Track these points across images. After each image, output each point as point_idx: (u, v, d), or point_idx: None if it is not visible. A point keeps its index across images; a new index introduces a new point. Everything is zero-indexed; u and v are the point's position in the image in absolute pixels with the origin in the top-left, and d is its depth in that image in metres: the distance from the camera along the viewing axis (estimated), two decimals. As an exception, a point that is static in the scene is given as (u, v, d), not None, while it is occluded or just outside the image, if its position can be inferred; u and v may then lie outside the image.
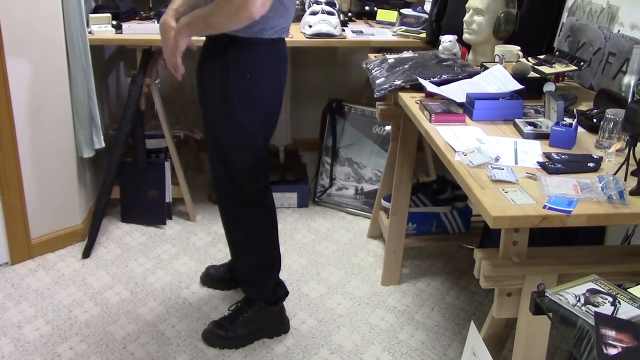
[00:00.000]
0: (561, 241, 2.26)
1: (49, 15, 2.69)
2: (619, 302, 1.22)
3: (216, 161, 2.30)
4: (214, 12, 2.00)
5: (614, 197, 1.48)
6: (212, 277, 2.77)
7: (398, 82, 2.31)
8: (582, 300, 1.22)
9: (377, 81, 2.39)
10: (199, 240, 3.14)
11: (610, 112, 1.78)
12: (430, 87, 2.20)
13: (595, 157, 1.71)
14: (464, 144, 1.79)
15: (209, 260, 2.96)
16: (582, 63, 2.29)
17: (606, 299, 1.23)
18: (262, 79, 2.17)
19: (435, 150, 1.87)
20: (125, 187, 3.23)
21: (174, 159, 3.23)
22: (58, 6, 2.70)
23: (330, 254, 3.06)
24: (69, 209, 3.01)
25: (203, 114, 2.27)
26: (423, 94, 2.24)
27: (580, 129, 1.90)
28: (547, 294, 1.25)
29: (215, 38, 2.15)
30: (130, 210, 3.28)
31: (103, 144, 3.01)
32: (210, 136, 2.26)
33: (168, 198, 3.28)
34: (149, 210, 3.26)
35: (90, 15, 2.99)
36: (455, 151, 1.75)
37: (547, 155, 1.73)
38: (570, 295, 1.24)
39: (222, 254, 3.00)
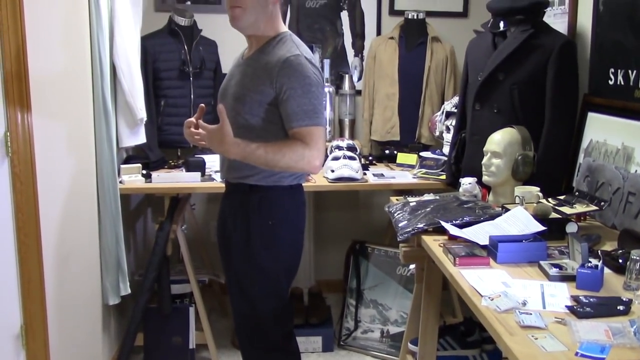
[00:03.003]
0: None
1: (83, 169, 2.81)
2: None
3: (241, 307, 2.30)
4: (283, 156, 2.06)
5: (648, 342, 1.44)
6: None
7: (421, 226, 2.34)
8: None
9: (400, 224, 2.43)
10: (222, 389, 3.07)
11: (635, 254, 1.77)
12: (452, 230, 2.22)
13: (624, 299, 1.68)
14: (490, 288, 1.78)
15: (233, 409, 2.88)
16: (602, 203, 2.32)
17: None
18: (283, 225, 2.21)
19: (460, 295, 1.86)
20: (149, 333, 3.20)
21: (199, 305, 3.23)
22: (92, 160, 2.83)
23: (358, 402, 2.96)
24: (92, 358, 2.98)
25: (225, 262, 2.30)
26: (446, 237, 2.25)
27: (606, 270, 1.89)
28: None
29: (235, 186, 2.21)
30: (154, 358, 3.23)
31: (129, 291, 3.03)
32: (235, 283, 2.28)
33: (192, 344, 3.24)
34: (173, 357, 3.22)
35: (122, 166, 3.12)
36: (482, 296, 1.74)
37: (575, 299, 1.71)
38: None
39: (246, 403, 2.91)
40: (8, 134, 2.37)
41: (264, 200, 2.18)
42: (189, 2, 3.84)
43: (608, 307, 1.65)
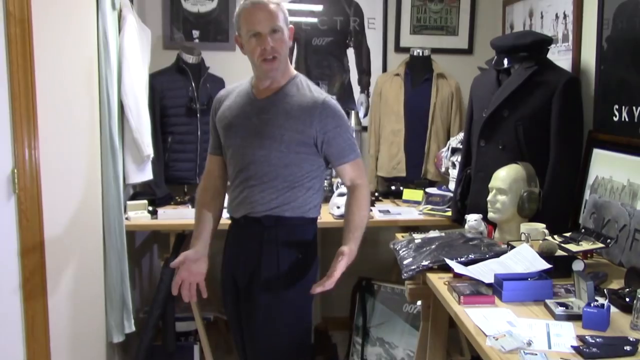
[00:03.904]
0: None
1: (89, 205, 2.82)
2: None
3: (265, 345, 2.23)
4: (362, 210, 2.23)
5: (655, 384, 1.42)
6: None
7: (425, 263, 2.32)
8: None
9: (405, 262, 2.41)
10: None
11: (641, 293, 1.75)
12: (457, 268, 2.20)
13: (631, 339, 1.66)
14: (495, 327, 1.76)
15: None
16: (608, 240, 2.29)
17: None
18: (309, 256, 2.21)
19: (465, 334, 1.84)
20: (153, 372, 3.18)
21: (204, 343, 3.20)
22: (98, 196, 2.84)
23: None
24: (96, 396, 2.95)
25: (249, 299, 2.23)
26: (451, 274, 2.24)
27: (613, 309, 1.86)
28: None
29: (259, 220, 2.19)
30: (158, 396, 3.20)
31: (133, 328, 3.01)
32: (260, 321, 2.21)
33: (196, 382, 3.22)
34: (177, 395, 3.19)
35: (128, 203, 3.13)
36: (486, 335, 1.72)
37: (581, 339, 1.68)
38: None
39: None
40: (15, 171, 2.39)
41: (293, 232, 2.19)
42: (196, 40, 3.89)
43: (615, 348, 1.62)
